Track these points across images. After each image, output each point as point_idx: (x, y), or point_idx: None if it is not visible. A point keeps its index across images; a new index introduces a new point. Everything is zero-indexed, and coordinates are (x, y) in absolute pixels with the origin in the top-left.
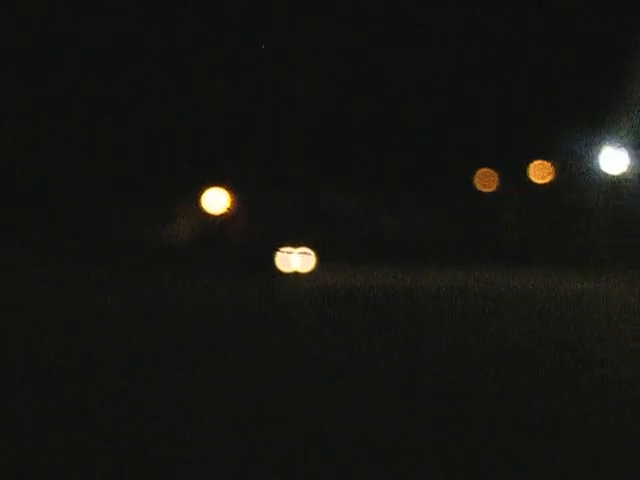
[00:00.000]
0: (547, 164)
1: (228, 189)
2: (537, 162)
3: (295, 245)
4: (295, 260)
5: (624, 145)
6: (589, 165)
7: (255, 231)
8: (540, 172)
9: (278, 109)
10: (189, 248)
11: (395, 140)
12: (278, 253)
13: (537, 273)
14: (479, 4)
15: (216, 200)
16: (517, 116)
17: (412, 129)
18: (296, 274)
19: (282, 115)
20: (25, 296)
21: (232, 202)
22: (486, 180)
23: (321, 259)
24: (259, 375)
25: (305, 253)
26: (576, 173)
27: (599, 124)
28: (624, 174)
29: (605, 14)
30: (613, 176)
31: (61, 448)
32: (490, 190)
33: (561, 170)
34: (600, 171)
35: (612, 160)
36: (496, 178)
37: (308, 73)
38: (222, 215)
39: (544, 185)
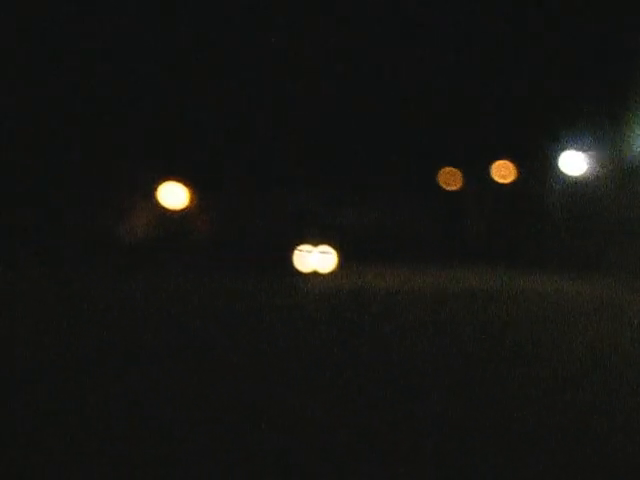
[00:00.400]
0: (509, 164)
1: (187, 184)
2: (499, 162)
3: (305, 243)
4: (314, 259)
5: (583, 147)
6: (549, 166)
7: (267, 230)
8: (502, 172)
9: (276, 108)
10: (192, 245)
11: (375, 139)
12: (296, 251)
13: (504, 272)
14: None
15: (175, 195)
16: (482, 116)
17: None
18: (315, 274)
19: (278, 114)
20: (25, 296)
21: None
22: (450, 179)
23: (344, 259)
24: (266, 376)
25: (325, 252)
26: (537, 173)
27: (560, 126)
28: (583, 175)
29: (606, 14)
30: (572, 177)
31: (60, 448)
32: (454, 189)
33: (522, 170)
34: (560, 172)
35: (572, 161)
36: (460, 177)
37: (307, 73)
38: (183, 210)
39: (506, 185)
